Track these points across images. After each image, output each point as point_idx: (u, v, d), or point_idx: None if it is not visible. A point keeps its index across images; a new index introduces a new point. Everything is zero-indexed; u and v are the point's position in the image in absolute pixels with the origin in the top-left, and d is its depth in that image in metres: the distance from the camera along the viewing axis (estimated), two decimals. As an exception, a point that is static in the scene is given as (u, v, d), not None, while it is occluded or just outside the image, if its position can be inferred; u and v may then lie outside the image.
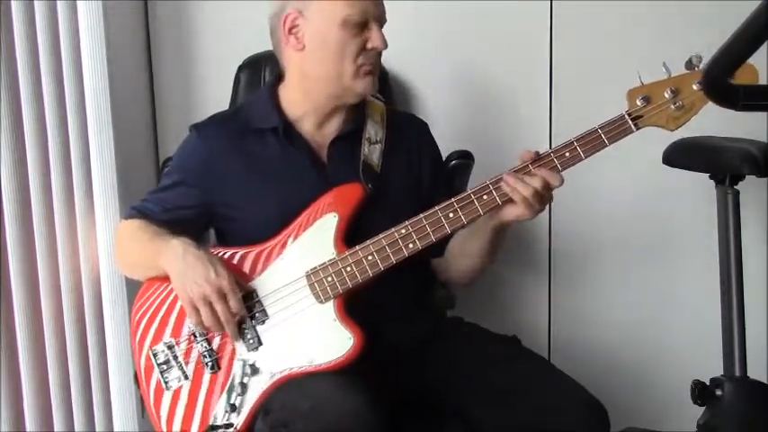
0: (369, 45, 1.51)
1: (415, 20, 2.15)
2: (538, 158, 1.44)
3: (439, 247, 1.56)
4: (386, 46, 1.52)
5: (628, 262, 2.26)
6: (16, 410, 1.88)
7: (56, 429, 1.94)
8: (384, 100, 1.70)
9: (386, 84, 2.06)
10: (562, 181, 1.43)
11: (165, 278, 1.49)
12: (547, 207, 1.47)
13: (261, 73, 2.02)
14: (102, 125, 1.89)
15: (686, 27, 2.08)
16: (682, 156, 1.87)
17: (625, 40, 2.14)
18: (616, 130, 1.42)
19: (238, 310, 1.42)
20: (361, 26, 1.50)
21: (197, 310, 1.42)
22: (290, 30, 1.53)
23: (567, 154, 1.43)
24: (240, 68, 2.06)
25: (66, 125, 1.88)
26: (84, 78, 1.88)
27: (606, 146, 1.42)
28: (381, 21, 1.53)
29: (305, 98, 1.57)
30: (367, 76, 1.53)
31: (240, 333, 1.47)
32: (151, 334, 1.51)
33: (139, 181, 2.09)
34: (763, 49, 1.07)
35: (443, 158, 1.79)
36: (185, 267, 1.43)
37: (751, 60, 1.15)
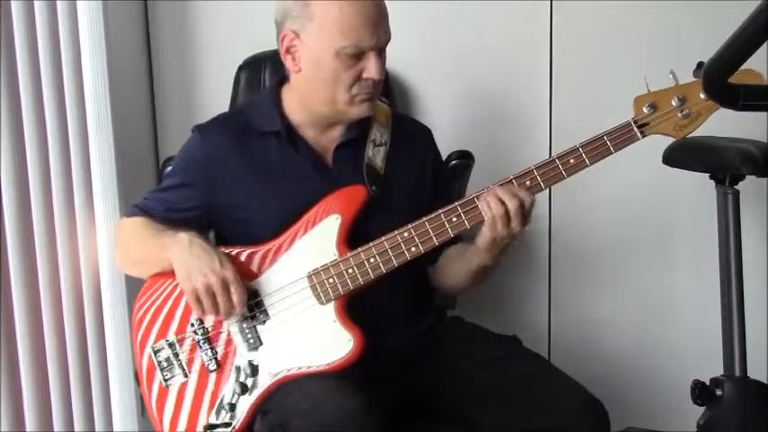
0: (364, 75, 1.48)
1: (416, 20, 2.15)
2: (542, 164, 1.43)
3: (432, 255, 1.55)
4: (382, 76, 1.49)
5: (628, 262, 2.26)
6: (16, 410, 1.88)
7: (56, 429, 1.93)
8: (389, 103, 1.70)
9: (386, 84, 2.05)
10: (533, 200, 1.42)
11: (168, 275, 1.50)
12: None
13: (261, 73, 2.02)
14: (102, 125, 1.89)
15: (687, 28, 2.08)
16: (682, 156, 1.87)
17: (625, 40, 2.14)
18: (622, 137, 1.41)
19: (240, 303, 1.42)
20: (357, 57, 1.47)
21: (200, 301, 1.42)
22: (288, 49, 1.51)
23: (572, 160, 1.42)
24: (240, 68, 2.06)
25: (66, 125, 1.88)
26: (84, 78, 1.87)
27: (611, 153, 1.42)
28: (381, 48, 1.49)
29: (304, 109, 1.57)
30: (362, 103, 1.51)
31: (240, 333, 1.47)
32: (152, 332, 1.52)
33: (139, 181, 2.09)
34: (763, 49, 1.07)
35: (443, 159, 1.79)
36: (191, 258, 1.43)
37: (751, 60, 1.16)
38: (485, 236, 1.44)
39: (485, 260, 1.50)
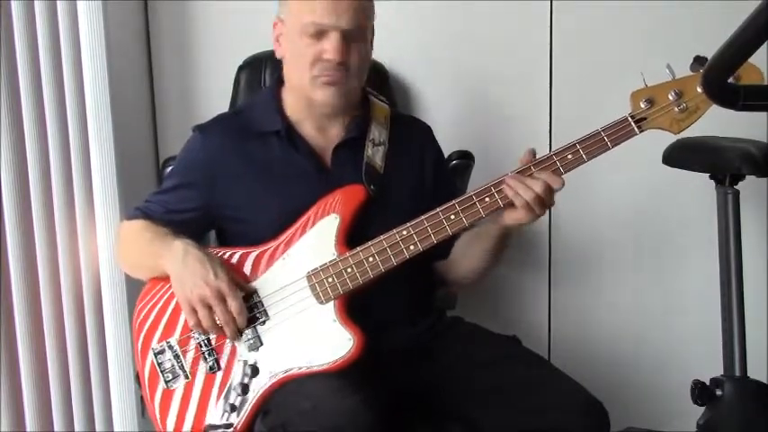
0: (324, 55, 1.48)
1: (416, 20, 2.15)
2: (540, 161, 1.43)
3: (443, 249, 1.56)
4: (341, 58, 1.47)
5: (628, 262, 2.26)
6: (16, 410, 1.88)
7: (56, 429, 1.93)
8: (388, 102, 1.70)
9: (386, 84, 2.06)
10: (563, 183, 1.42)
11: (168, 277, 1.49)
12: (548, 211, 1.46)
13: (261, 73, 2.02)
14: (102, 125, 1.89)
15: (688, 28, 2.08)
16: (682, 156, 1.87)
17: (625, 40, 2.14)
18: (619, 132, 1.41)
19: (238, 312, 1.42)
20: (319, 35, 1.48)
21: (195, 312, 1.42)
22: (277, 37, 1.56)
23: (570, 156, 1.42)
24: (240, 69, 2.06)
25: (66, 125, 1.88)
26: (85, 78, 1.88)
27: (609, 148, 1.41)
28: (344, 30, 1.48)
29: (297, 102, 1.58)
30: (325, 86, 1.50)
31: (240, 334, 1.47)
32: (153, 333, 1.51)
33: (139, 181, 2.09)
34: (763, 49, 1.07)
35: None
36: (185, 269, 1.43)
37: (751, 61, 1.16)
38: (515, 219, 1.43)
39: (502, 245, 1.53)
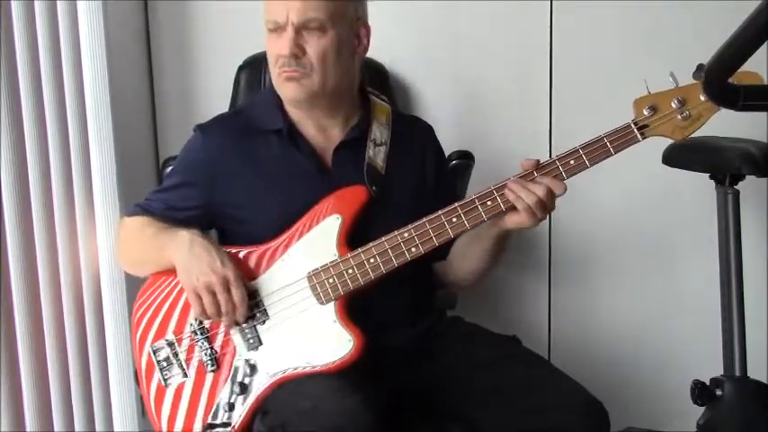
0: (279, 51, 1.49)
1: (416, 20, 2.15)
2: (543, 166, 1.43)
3: (443, 250, 1.56)
4: (288, 50, 1.47)
5: (628, 262, 2.26)
6: (16, 410, 1.88)
7: (56, 429, 1.94)
8: (389, 102, 1.70)
9: (386, 84, 2.06)
10: (565, 188, 1.42)
11: (169, 274, 1.50)
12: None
13: (261, 73, 2.02)
14: (102, 125, 1.89)
15: (688, 28, 2.08)
16: (682, 156, 1.87)
17: (625, 40, 2.14)
18: (622, 138, 1.41)
19: (240, 302, 1.42)
20: (279, 32, 1.49)
21: (200, 299, 1.42)
22: None
23: (572, 162, 1.43)
24: (240, 69, 2.06)
25: (66, 125, 1.88)
26: (85, 79, 1.88)
27: (612, 154, 1.42)
28: (300, 24, 1.47)
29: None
30: (287, 82, 1.51)
31: (240, 332, 1.47)
32: (152, 331, 1.51)
33: (139, 181, 2.09)
34: (763, 49, 1.07)
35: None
36: (191, 257, 1.44)
37: (751, 60, 1.16)
38: (517, 223, 1.44)
39: (501, 246, 1.53)
